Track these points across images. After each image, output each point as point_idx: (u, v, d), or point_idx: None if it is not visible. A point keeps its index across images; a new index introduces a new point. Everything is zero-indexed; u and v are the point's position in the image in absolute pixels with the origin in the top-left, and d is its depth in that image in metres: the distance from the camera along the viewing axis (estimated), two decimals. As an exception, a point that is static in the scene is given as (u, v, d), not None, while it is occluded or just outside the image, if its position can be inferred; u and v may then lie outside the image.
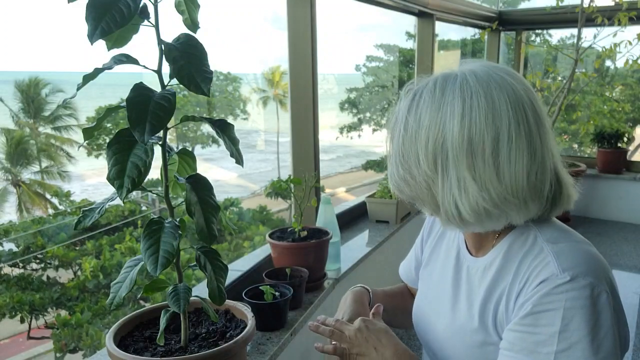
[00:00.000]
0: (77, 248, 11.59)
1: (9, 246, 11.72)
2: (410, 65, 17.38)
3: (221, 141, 0.87)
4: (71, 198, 15.17)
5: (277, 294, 1.39)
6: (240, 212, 14.20)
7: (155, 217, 0.85)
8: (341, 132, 24.01)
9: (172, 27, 0.82)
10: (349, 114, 23.27)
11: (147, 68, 0.81)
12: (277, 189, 1.64)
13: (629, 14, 3.34)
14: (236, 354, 0.93)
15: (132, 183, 0.75)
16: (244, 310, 1.03)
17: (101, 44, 0.76)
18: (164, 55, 0.80)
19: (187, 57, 0.79)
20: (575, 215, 4.10)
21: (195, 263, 0.89)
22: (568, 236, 0.80)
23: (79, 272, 10.77)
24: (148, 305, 1.07)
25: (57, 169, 19.91)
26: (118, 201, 0.81)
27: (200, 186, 0.86)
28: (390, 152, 0.84)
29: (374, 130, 23.57)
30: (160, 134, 0.83)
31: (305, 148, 2.07)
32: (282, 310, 1.39)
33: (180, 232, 0.83)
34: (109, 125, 15.38)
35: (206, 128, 22.04)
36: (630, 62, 3.51)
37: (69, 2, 0.73)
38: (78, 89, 0.76)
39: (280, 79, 26.45)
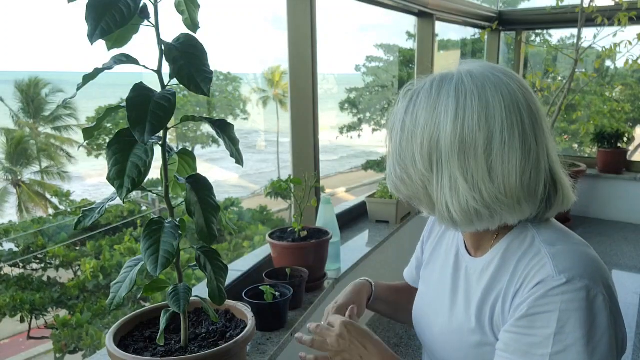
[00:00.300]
0: (78, 248, 11.59)
1: (9, 246, 11.72)
2: (410, 65, 17.37)
3: (221, 141, 0.87)
4: (71, 198, 15.17)
5: (277, 294, 1.39)
6: (240, 212, 14.20)
7: (155, 217, 0.85)
8: (341, 132, 24.01)
9: (172, 27, 0.82)
10: (349, 114, 23.27)
11: (147, 68, 0.81)
12: (277, 189, 1.64)
13: (629, 14, 3.34)
14: (236, 354, 0.93)
15: (132, 183, 0.75)
16: (244, 310, 1.04)
17: (101, 44, 0.76)
18: (164, 55, 0.80)
19: (187, 57, 0.79)
20: (576, 215, 4.10)
21: (195, 263, 0.89)
22: (566, 238, 0.80)
23: (79, 272, 10.77)
24: (148, 305, 1.07)
25: (57, 169, 19.91)
26: (118, 201, 0.81)
27: (200, 186, 0.86)
28: (388, 153, 0.85)
29: (374, 130, 23.57)
30: (160, 134, 0.83)
31: (305, 148, 2.07)
32: (282, 310, 1.39)
33: (180, 232, 0.83)
34: (109, 125, 15.39)
35: (206, 128, 22.05)
36: (630, 62, 3.51)
37: (69, 2, 0.73)
38: (78, 89, 0.76)
39: (280, 79, 26.44)
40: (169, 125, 0.79)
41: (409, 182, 0.82)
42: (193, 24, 0.83)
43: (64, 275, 10.99)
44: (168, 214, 0.89)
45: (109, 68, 0.78)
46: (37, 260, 11.35)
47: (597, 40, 3.55)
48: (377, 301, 1.14)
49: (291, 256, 1.59)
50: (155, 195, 0.89)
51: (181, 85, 0.79)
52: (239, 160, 0.87)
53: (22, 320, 10.25)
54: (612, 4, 3.47)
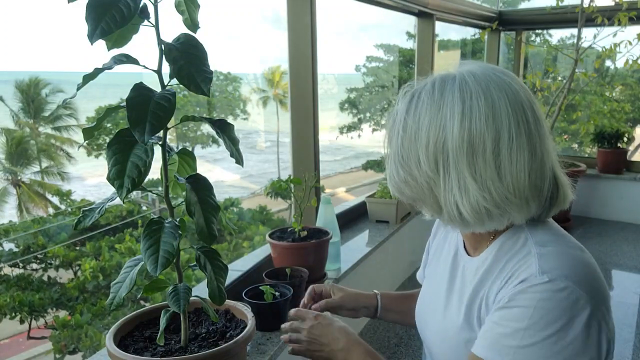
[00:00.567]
0: (78, 248, 11.58)
1: (9, 246, 11.72)
2: (410, 65, 17.38)
3: (221, 141, 0.87)
4: (72, 197, 15.16)
5: (277, 294, 1.39)
6: (240, 212, 14.20)
7: (155, 217, 0.85)
8: (341, 132, 24.01)
9: (172, 27, 0.82)
10: (349, 114, 23.27)
11: (147, 68, 0.81)
12: (277, 189, 1.64)
13: (629, 14, 3.34)
14: (236, 354, 0.93)
15: (132, 183, 0.75)
16: (244, 310, 1.04)
17: (101, 44, 0.76)
18: (164, 55, 0.80)
19: (187, 57, 0.79)
20: (576, 216, 4.10)
21: (195, 263, 0.89)
22: (560, 241, 0.80)
23: (79, 273, 10.77)
24: (148, 305, 1.07)
25: (57, 169, 19.91)
26: (118, 201, 0.81)
27: (200, 186, 0.86)
28: (389, 154, 0.84)
29: (374, 130, 23.57)
30: (160, 134, 0.83)
31: (305, 148, 2.07)
32: (282, 310, 1.39)
33: (180, 232, 0.83)
34: (109, 125, 15.38)
35: (206, 128, 22.03)
36: (630, 62, 3.51)
37: (69, 2, 0.73)
38: (78, 89, 0.76)
39: (280, 79, 26.43)
40: (169, 125, 0.79)
41: (413, 184, 0.81)
42: (193, 24, 0.83)
43: (64, 275, 10.99)
44: (168, 214, 0.89)
45: (109, 68, 0.78)
46: (37, 260, 11.34)
47: (597, 40, 3.55)
48: (387, 312, 1.19)
49: (291, 256, 1.59)
50: (155, 195, 0.89)
51: (181, 85, 0.79)
52: (239, 160, 0.87)
53: (21, 322, 10.24)
54: (612, 4, 3.47)
